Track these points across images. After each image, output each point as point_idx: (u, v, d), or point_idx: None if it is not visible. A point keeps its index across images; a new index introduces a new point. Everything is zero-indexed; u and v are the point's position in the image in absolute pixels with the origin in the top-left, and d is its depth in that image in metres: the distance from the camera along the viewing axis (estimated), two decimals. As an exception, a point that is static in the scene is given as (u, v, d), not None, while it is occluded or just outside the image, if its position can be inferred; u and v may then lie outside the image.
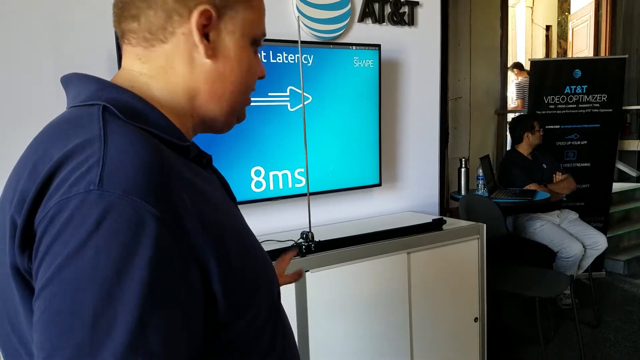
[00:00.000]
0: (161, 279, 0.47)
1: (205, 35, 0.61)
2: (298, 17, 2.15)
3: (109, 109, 0.55)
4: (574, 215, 3.46)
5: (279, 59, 2.08)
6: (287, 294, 1.79)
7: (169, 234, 0.48)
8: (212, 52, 0.62)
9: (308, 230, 1.89)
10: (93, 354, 0.44)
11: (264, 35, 0.69)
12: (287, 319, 0.74)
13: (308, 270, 1.83)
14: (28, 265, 0.50)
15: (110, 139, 0.51)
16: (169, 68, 0.62)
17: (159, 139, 0.56)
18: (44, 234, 0.47)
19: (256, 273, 0.63)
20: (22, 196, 0.50)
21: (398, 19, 2.54)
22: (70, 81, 0.61)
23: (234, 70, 0.64)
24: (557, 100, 4.03)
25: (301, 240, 1.89)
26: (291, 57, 2.10)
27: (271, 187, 2.14)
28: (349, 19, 2.37)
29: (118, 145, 0.50)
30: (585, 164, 4.06)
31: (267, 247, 1.80)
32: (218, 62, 0.63)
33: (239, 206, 0.75)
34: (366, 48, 2.33)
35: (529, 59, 4.34)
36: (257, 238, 0.78)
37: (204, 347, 0.55)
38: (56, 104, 0.66)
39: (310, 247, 1.85)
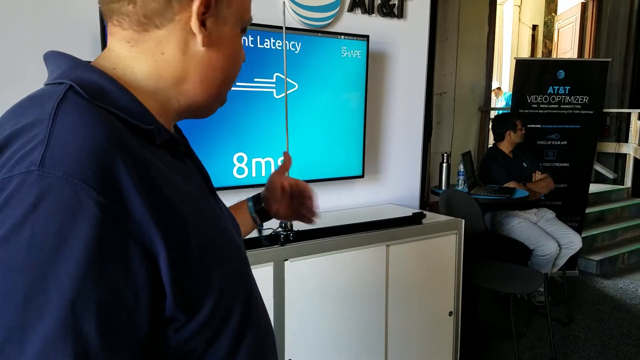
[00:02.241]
0: (97, 264, 0.46)
1: (202, 23, 0.61)
2: (284, 2, 2.12)
3: (74, 88, 0.53)
4: (551, 214, 3.51)
5: (266, 45, 2.06)
6: (265, 282, 1.78)
7: (108, 218, 0.47)
8: (208, 40, 0.62)
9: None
10: (22, 339, 0.44)
11: (251, 21, 0.69)
12: (266, 327, 0.71)
13: (287, 259, 1.82)
14: None
15: (60, 118, 0.49)
16: (158, 53, 0.61)
17: (122, 120, 0.55)
18: None
19: (223, 269, 0.61)
20: None
21: (387, 11, 2.53)
22: (48, 58, 0.60)
23: (226, 59, 0.64)
24: (540, 100, 4.07)
25: (280, 229, 1.88)
26: (278, 43, 2.08)
27: (253, 174, 2.12)
28: (338, 8, 2.35)
29: (67, 125, 0.49)
30: (564, 164, 4.12)
31: (246, 234, 1.78)
32: (212, 50, 0.62)
33: (219, 192, 0.73)
34: (355, 38, 2.31)
35: (514, 58, 4.37)
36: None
37: (156, 349, 0.53)
38: (38, 80, 0.64)
39: (289, 236, 1.84)
